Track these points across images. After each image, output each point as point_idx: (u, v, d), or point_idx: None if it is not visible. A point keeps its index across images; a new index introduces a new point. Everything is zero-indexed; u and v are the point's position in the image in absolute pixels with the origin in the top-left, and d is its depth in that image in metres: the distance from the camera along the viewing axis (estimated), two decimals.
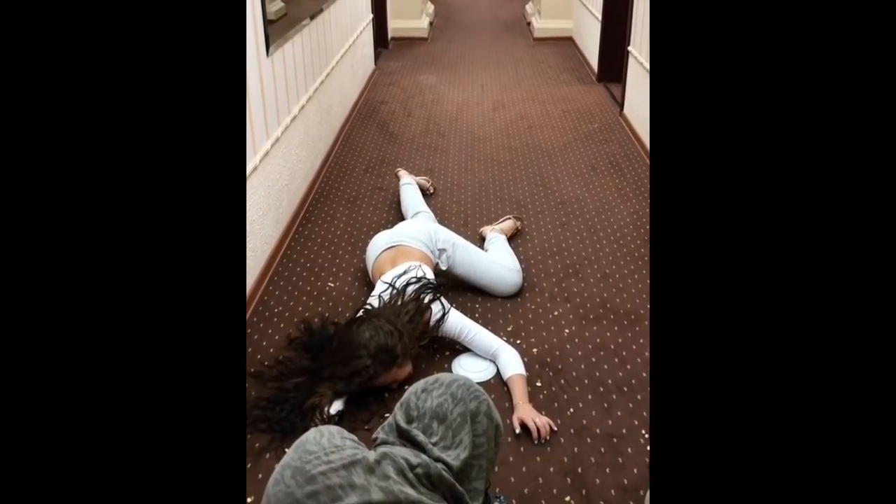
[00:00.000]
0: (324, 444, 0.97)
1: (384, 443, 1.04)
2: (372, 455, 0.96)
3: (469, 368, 2.00)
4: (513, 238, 2.74)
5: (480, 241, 2.70)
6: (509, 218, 2.80)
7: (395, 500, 0.91)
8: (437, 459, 0.99)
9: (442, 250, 2.31)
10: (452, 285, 2.37)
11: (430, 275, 2.12)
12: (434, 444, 1.01)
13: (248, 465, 1.67)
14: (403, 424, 1.03)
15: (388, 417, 1.81)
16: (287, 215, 2.76)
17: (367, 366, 1.77)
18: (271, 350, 2.09)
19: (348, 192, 3.21)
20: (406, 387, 1.90)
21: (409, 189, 2.91)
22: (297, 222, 2.88)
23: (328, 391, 1.78)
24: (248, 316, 2.26)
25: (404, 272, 2.06)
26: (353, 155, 3.66)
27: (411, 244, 2.23)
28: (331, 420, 1.75)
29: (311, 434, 1.01)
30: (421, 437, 1.01)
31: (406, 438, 1.02)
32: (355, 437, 1.04)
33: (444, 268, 2.33)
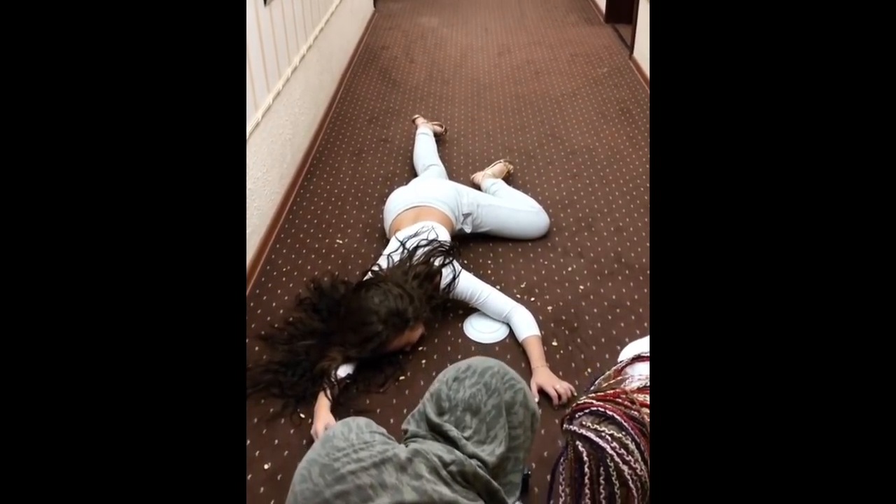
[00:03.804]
0: (352, 439, 0.92)
1: (415, 436, 0.99)
2: (403, 452, 0.91)
3: (481, 329, 1.97)
4: (509, 182, 2.68)
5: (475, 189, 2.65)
6: (499, 162, 2.75)
7: (428, 500, 0.86)
8: (472, 455, 0.94)
9: (467, 214, 2.26)
10: (471, 240, 2.32)
11: (444, 236, 2.06)
12: (468, 439, 0.95)
13: (264, 431, 1.65)
14: (434, 418, 0.98)
15: (402, 379, 1.80)
16: (291, 170, 2.69)
17: (379, 332, 1.73)
18: (280, 311, 2.05)
19: (353, 144, 3.12)
20: (420, 348, 1.89)
21: (425, 139, 2.84)
22: (302, 177, 2.80)
23: (338, 355, 1.75)
24: (255, 276, 2.21)
25: (416, 233, 2.01)
26: (355, 105, 3.55)
27: (436, 206, 2.17)
28: (341, 384, 1.72)
29: (339, 428, 0.96)
30: (454, 433, 0.95)
31: (438, 433, 0.97)
32: (384, 430, 0.99)
33: (467, 231, 2.28)
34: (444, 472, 0.90)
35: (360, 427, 0.96)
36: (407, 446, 0.94)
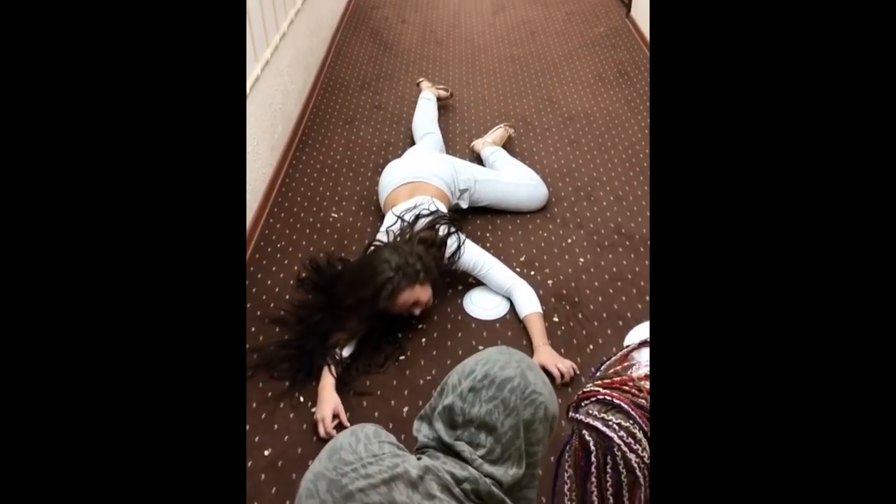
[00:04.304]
0: (360, 451, 0.88)
1: (425, 447, 0.95)
2: (414, 469, 0.87)
3: (481, 305, 1.94)
4: (508, 148, 2.63)
5: (475, 158, 2.59)
6: (500, 127, 2.68)
7: None
8: (488, 475, 0.90)
9: (464, 190, 2.21)
10: (469, 212, 2.28)
11: (443, 209, 2.02)
12: (481, 457, 0.90)
13: (263, 416, 1.62)
14: (447, 438, 0.92)
15: (402, 359, 1.77)
16: (283, 141, 2.62)
17: (391, 277, 1.71)
18: (276, 289, 2.01)
19: (345, 111, 3.04)
20: (420, 326, 1.86)
21: (427, 105, 2.77)
22: (294, 147, 2.73)
23: (354, 324, 1.72)
24: (249, 253, 2.17)
25: (415, 206, 1.96)
26: (346, 70, 3.45)
27: (432, 181, 2.11)
28: (343, 363, 1.70)
29: (346, 439, 0.92)
30: (467, 454, 0.89)
31: (451, 452, 0.93)
32: (393, 438, 0.94)
33: (464, 206, 2.23)
34: (456, 490, 0.86)
35: (368, 437, 0.91)
36: (419, 459, 0.90)
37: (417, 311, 1.81)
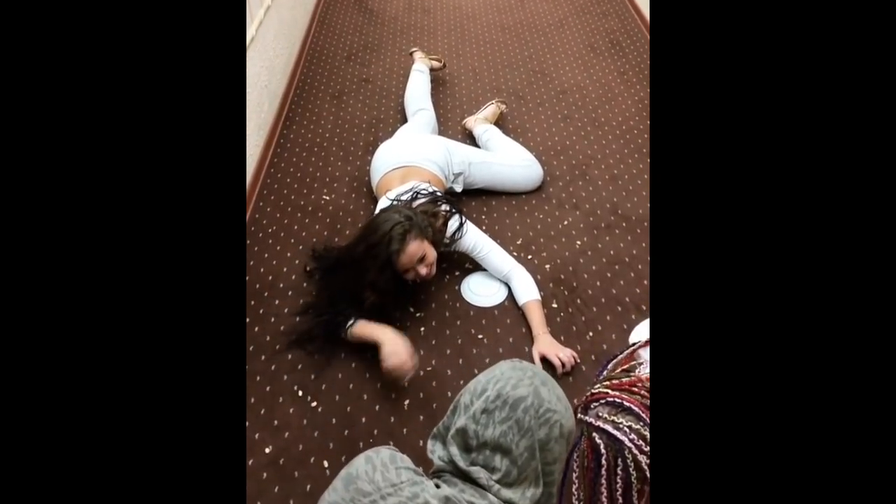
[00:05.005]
0: (378, 480, 0.86)
1: (441, 472, 0.94)
2: (434, 499, 0.84)
3: (479, 292, 1.92)
4: (501, 125, 2.59)
5: (468, 137, 2.54)
6: (492, 103, 2.63)
7: None
8: (507, 501, 0.88)
9: (458, 174, 2.16)
10: (463, 195, 2.24)
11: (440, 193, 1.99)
12: (498, 481, 0.89)
13: (262, 412, 1.60)
14: (462, 464, 0.90)
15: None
16: (269, 119, 2.54)
17: (400, 222, 1.71)
18: (270, 277, 1.97)
19: (332, 85, 2.95)
20: (418, 314, 1.83)
21: (420, 78, 2.69)
22: (281, 124, 2.66)
23: (374, 275, 1.71)
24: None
25: (410, 188, 1.92)
26: (331, 40, 3.35)
27: (425, 166, 2.06)
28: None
29: (362, 466, 0.89)
30: (483, 480, 0.88)
31: (468, 479, 0.91)
32: (409, 462, 0.91)
33: (458, 189, 2.19)
34: None
35: (384, 464, 0.89)
36: (437, 487, 0.88)
37: (424, 271, 1.76)
